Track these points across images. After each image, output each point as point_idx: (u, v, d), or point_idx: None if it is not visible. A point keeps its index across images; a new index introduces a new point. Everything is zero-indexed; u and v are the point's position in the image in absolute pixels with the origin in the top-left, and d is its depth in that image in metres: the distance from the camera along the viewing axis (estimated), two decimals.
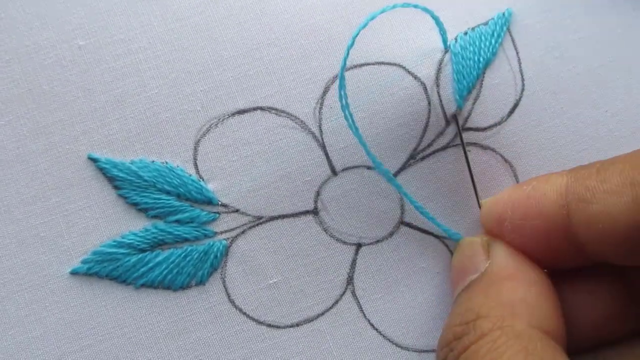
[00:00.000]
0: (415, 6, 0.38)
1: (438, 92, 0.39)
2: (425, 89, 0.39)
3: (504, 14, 0.41)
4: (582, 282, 0.36)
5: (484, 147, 0.40)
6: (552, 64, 0.41)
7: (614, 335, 0.36)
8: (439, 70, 0.40)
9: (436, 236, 0.40)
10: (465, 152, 0.39)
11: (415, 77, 0.40)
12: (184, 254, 0.39)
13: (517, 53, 0.41)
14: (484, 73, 0.40)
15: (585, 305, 0.35)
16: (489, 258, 0.35)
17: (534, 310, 0.32)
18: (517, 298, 0.33)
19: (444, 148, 0.40)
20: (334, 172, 0.39)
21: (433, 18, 0.39)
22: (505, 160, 0.40)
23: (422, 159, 0.40)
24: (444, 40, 0.40)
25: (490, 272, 0.34)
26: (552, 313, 0.33)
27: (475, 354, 0.31)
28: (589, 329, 0.35)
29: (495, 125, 0.40)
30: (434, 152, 0.40)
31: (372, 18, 0.37)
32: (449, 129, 0.40)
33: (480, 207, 0.38)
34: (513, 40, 0.41)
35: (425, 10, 0.38)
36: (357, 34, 0.37)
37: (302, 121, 0.39)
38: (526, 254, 0.35)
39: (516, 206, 0.35)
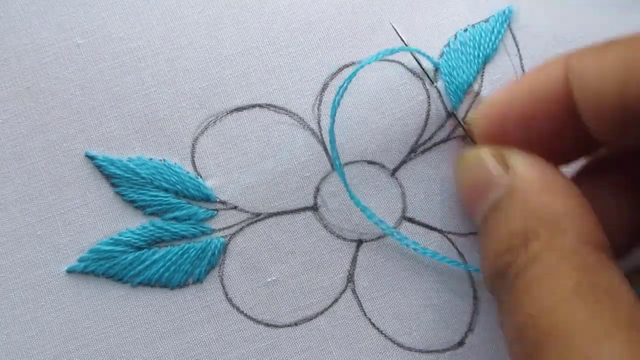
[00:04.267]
0: (408, 50, 0.39)
1: (437, 87, 0.39)
2: (424, 84, 0.39)
3: (504, 11, 0.41)
4: (600, 187, 0.35)
5: None
6: None
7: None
8: (438, 67, 0.40)
9: (440, 231, 0.39)
10: (464, 129, 0.39)
11: (414, 74, 0.39)
12: (181, 252, 0.38)
13: (519, 50, 0.40)
14: (484, 68, 0.40)
15: (609, 211, 0.34)
16: (508, 170, 0.33)
17: (579, 223, 0.31)
18: (559, 212, 0.31)
19: (445, 141, 0.39)
20: (334, 168, 0.39)
21: (424, 55, 0.39)
22: None
23: (424, 152, 0.39)
24: (434, 63, 0.39)
25: (519, 186, 0.32)
26: (594, 224, 0.31)
27: (531, 281, 0.30)
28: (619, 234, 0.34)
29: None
30: (435, 145, 0.39)
31: (353, 75, 0.38)
32: (449, 121, 0.39)
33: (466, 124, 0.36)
34: (514, 37, 0.41)
35: (417, 51, 0.39)
36: (343, 91, 0.37)
37: (300, 118, 0.39)
38: (536, 146, 0.33)
39: (519, 95, 0.33)
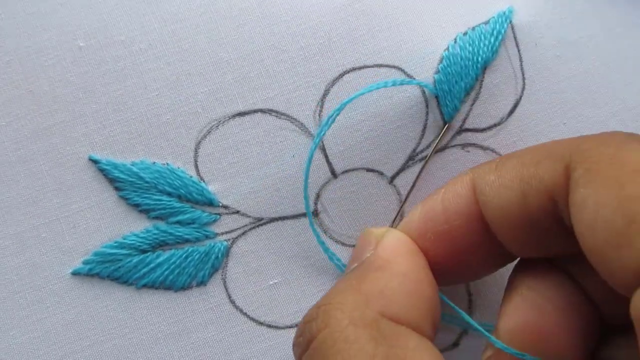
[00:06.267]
0: (409, 82, 0.39)
1: (435, 95, 0.40)
2: (423, 91, 0.40)
3: (504, 12, 0.41)
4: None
5: (484, 148, 0.40)
6: (552, 63, 0.41)
7: None
8: (437, 73, 0.40)
9: None
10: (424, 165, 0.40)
11: (414, 80, 0.40)
12: (185, 255, 0.39)
13: (519, 51, 0.41)
14: (483, 72, 0.40)
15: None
16: (375, 248, 0.35)
17: (388, 299, 0.32)
18: (375, 289, 0.32)
19: (442, 149, 0.40)
20: (334, 175, 0.40)
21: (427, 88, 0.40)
22: None
23: (421, 160, 0.40)
24: (431, 90, 0.40)
25: (367, 262, 0.34)
26: (411, 303, 0.32)
27: (322, 344, 0.31)
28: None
29: (494, 125, 0.40)
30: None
31: (350, 100, 0.39)
32: (447, 129, 0.40)
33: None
34: (515, 38, 0.41)
35: (418, 83, 0.39)
36: (338, 112, 0.38)
37: (302, 124, 0.40)
38: (457, 260, 0.35)
39: (434, 214, 0.35)
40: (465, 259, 0.35)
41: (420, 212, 0.35)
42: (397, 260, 0.34)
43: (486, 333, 0.34)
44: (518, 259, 0.36)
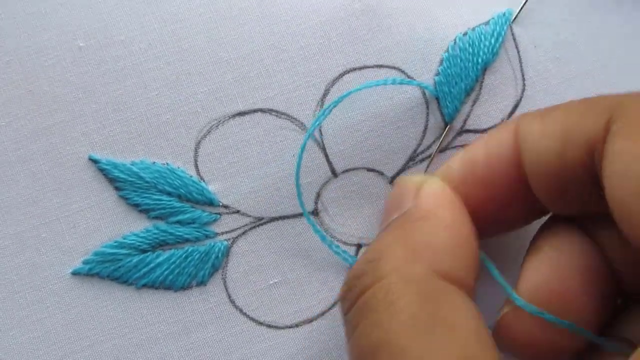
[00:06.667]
0: (409, 82, 0.39)
1: (436, 96, 0.40)
2: (423, 92, 0.40)
3: (504, 14, 0.41)
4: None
5: None
6: (552, 65, 0.41)
7: None
8: (437, 74, 0.40)
9: None
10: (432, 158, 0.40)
11: (414, 80, 0.40)
12: (185, 255, 0.39)
13: (519, 52, 0.41)
14: (483, 74, 0.40)
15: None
16: (416, 197, 0.34)
17: (437, 254, 0.31)
18: (422, 241, 0.32)
19: (443, 150, 0.40)
20: (334, 174, 0.40)
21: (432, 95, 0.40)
22: None
23: (422, 161, 0.40)
24: (431, 91, 0.40)
25: (409, 212, 0.33)
26: (459, 257, 0.32)
27: (372, 299, 0.30)
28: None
29: (495, 126, 0.40)
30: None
31: (347, 95, 0.39)
32: (448, 130, 0.40)
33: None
34: (515, 40, 0.41)
35: (419, 84, 0.39)
36: (335, 104, 0.39)
37: (302, 123, 0.40)
38: (493, 209, 0.35)
39: (475, 159, 0.35)
40: (500, 208, 0.35)
41: (462, 158, 0.35)
42: (440, 211, 0.33)
43: (508, 288, 0.34)
44: (546, 217, 0.36)
